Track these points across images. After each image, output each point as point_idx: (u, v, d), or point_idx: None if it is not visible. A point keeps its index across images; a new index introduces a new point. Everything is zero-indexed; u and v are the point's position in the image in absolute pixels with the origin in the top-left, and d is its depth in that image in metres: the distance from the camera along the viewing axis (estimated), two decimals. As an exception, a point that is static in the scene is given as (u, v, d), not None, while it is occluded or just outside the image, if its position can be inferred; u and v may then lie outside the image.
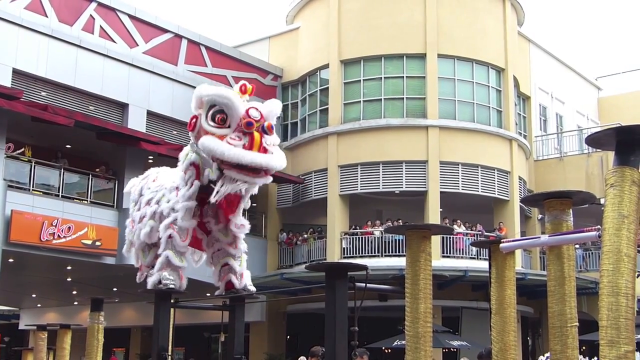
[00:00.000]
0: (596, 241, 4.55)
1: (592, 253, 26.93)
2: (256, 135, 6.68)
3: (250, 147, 6.65)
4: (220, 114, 6.74)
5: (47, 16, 22.11)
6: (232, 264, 7.57)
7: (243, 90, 7.01)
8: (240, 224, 7.52)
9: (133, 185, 8.66)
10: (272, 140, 6.84)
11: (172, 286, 7.49)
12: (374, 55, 26.35)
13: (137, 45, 24.58)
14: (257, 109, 6.80)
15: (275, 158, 6.80)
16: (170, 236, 7.41)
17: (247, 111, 6.75)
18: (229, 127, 6.72)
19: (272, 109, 6.99)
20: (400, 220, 25.15)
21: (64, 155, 23.03)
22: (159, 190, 7.91)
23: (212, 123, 6.77)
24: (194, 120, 6.97)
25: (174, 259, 7.48)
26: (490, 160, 26.04)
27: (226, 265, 7.60)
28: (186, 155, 7.36)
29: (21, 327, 34.87)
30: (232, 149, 6.61)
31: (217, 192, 6.88)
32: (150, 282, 7.63)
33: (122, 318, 30.62)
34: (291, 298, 26.42)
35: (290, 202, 27.94)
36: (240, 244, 7.63)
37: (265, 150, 6.72)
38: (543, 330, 27.41)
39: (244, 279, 7.58)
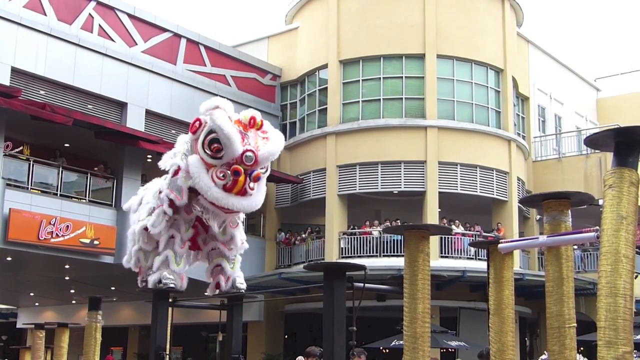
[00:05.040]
0: (594, 242, 4.55)
1: (590, 254, 26.91)
2: (240, 179, 6.72)
3: (231, 189, 6.74)
4: (216, 144, 6.72)
5: (46, 15, 22.08)
6: (223, 266, 7.70)
7: (252, 124, 6.88)
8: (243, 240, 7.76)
9: (133, 202, 8.70)
10: (257, 182, 6.88)
11: (172, 285, 7.53)
12: (372, 55, 26.33)
13: (136, 44, 24.54)
14: (254, 152, 6.71)
15: (251, 202, 6.89)
16: (172, 236, 7.49)
17: (243, 154, 6.68)
18: (220, 158, 6.74)
19: (272, 150, 6.88)
20: (399, 221, 25.14)
21: (63, 154, 23.00)
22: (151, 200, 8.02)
23: (207, 150, 6.78)
24: (198, 123, 6.94)
25: (172, 262, 7.55)
26: (488, 161, 26.02)
27: (218, 266, 7.72)
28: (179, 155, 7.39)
29: (19, 325, 34.83)
30: (212, 188, 6.74)
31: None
32: (151, 281, 7.68)
33: (120, 317, 30.59)
34: (289, 298, 26.44)
35: (288, 202, 27.92)
36: (234, 245, 7.72)
37: (244, 192, 6.79)
38: (541, 330, 27.38)
39: (230, 282, 7.66)
